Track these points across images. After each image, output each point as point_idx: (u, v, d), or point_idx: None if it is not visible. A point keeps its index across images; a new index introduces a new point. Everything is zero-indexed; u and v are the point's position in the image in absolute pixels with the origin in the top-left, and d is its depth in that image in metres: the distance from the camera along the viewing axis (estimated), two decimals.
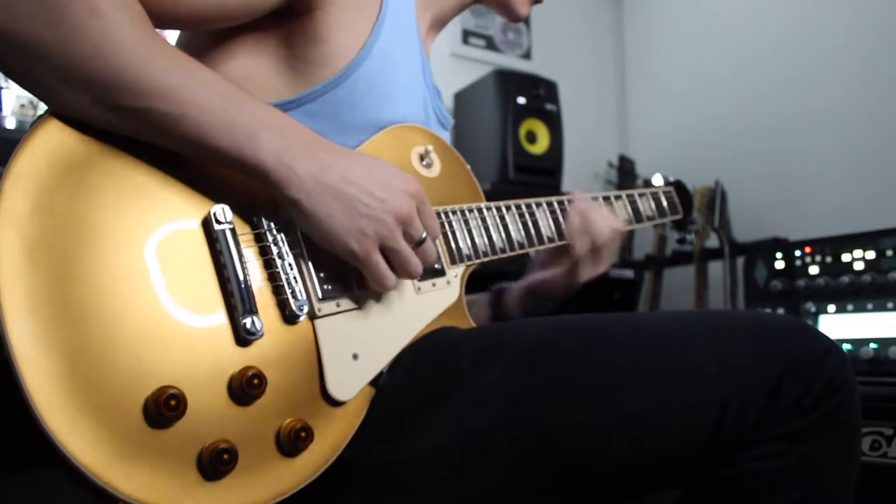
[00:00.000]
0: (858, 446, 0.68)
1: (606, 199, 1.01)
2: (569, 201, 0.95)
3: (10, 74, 0.57)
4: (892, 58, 2.13)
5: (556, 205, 0.93)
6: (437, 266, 0.77)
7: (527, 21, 2.92)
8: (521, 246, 0.87)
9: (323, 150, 0.63)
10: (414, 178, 0.68)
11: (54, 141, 0.56)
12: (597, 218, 0.92)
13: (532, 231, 0.89)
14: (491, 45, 2.80)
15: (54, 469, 0.51)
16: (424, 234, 0.68)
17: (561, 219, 0.93)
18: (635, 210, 1.05)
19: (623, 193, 1.05)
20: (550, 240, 0.91)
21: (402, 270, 0.67)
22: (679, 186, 1.15)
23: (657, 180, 1.15)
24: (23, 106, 1.67)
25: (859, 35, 2.23)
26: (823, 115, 2.31)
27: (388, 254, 0.66)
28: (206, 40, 0.75)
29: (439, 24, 0.99)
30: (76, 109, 0.57)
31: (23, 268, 0.51)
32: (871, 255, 1.41)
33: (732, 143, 2.59)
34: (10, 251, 0.51)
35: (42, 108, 1.64)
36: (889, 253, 1.38)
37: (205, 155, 0.60)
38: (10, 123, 1.51)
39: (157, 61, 0.57)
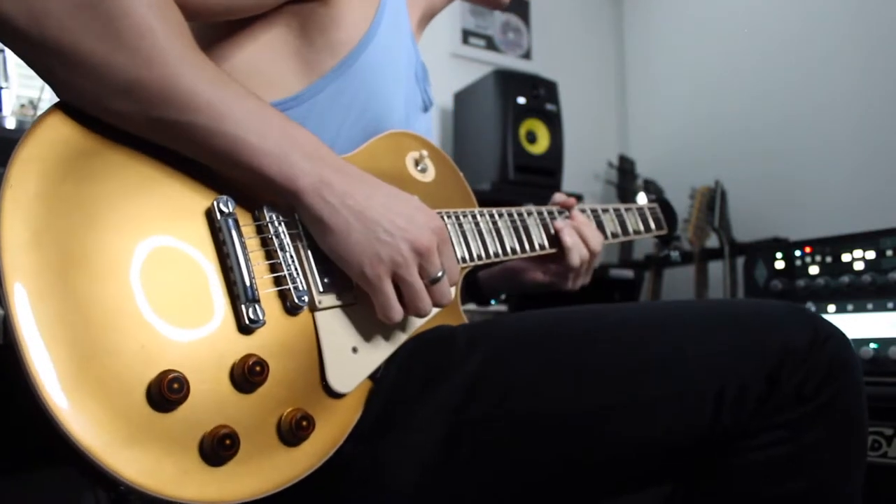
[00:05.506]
0: (863, 434, 0.66)
1: (594, 211, 1.04)
2: (559, 212, 0.97)
3: (56, 85, 0.58)
4: (893, 58, 2.13)
5: (545, 214, 0.96)
6: None
7: (527, 21, 2.92)
8: (514, 251, 0.89)
9: (351, 175, 0.64)
10: (437, 215, 0.68)
11: (60, 130, 0.57)
12: (589, 236, 0.97)
13: (524, 237, 0.91)
14: (491, 45, 2.80)
15: (54, 469, 0.51)
16: (441, 273, 0.67)
17: (551, 227, 0.95)
18: (622, 223, 1.09)
19: (610, 207, 1.08)
20: (542, 247, 0.94)
21: (411, 305, 0.66)
22: (663, 203, 1.19)
23: (641, 199, 1.19)
24: (23, 106, 1.67)
25: (859, 35, 2.23)
26: (824, 116, 2.31)
27: (400, 284, 0.65)
28: (215, 32, 0.75)
29: (428, 17, 1.01)
30: (119, 119, 0.58)
31: (29, 252, 0.51)
32: (871, 255, 1.41)
33: (732, 143, 2.60)
34: (16, 235, 0.51)
35: (42, 108, 1.64)
36: (889, 253, 1.38)
37: (237, 169, 0.61)
38: (10, 123, 1.51)
39: (200, 75, 0.58)
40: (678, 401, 0.63)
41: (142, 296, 0.55)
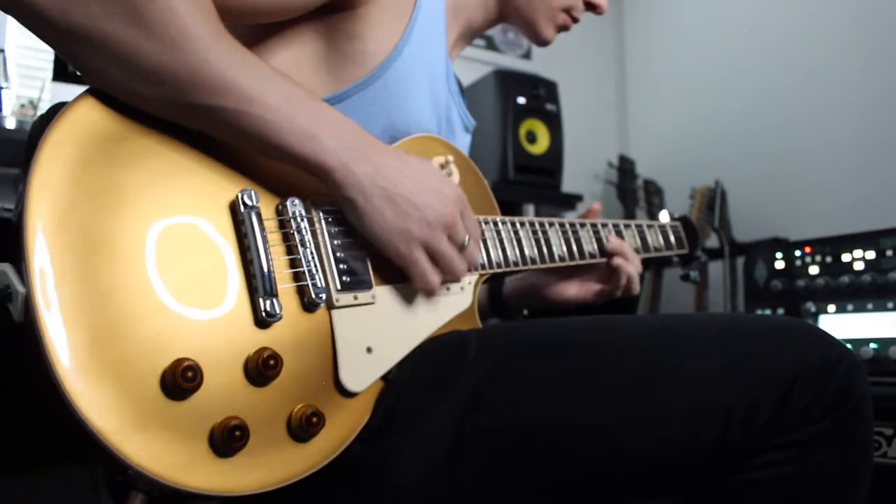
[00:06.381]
0: (870, 456, 0.66)
1: (616, 226, 1.04)
2: (581, 224, 0.98)
3: (84, 71, 0.58)
4: (893, 58, 2.13)
5: (567, 226, 0.96)
6: None
7: None
8: (533, 261, 0.89)
9: (378, 151, 0.66)
10: (455, 183, 0.71)
11: (91, 115, 0.57)
12: (633, 259, 1.01)
13: (544, 249, 0.91)
14: (491, 45, 2.80)
15: (55, 469, 0.51)
16: (468, 238, 0.70)
17: (573, 239, 0.96)
18: (643, 240, 1.09)
19: (633, 223, 1.08)
20: (562, 259, 0.94)
21: (447, 272, 0.70)
22: (686, 222, 1.18)
23: (664, 217, 1.19)
24: (23, 106, 1.67)
25: (860, 35, 2.23)
26: (823, 115, 2.31)
27: (433, 256, 0.68)
28: (247, 36, 0.76)
29: (468, 36, 1.00)
30: (147, 103, 0.59)
31: (54, 233, 0.52)
32: (871, 255, 1.41)
33: (732, 143, 2.59)
34: (42, 216, 0.52)
35: (42, 108, 1.64)
36: (889, 253, 1.38)
37: (268, 151, 0.62)
38: (10, 123, 1.51)
39: (228, 60, 0.58)
40: (687, 416, 0.63)
41: (161, 284, 0.56)
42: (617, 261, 0.98)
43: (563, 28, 1.00)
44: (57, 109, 0.58)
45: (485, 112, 2.31)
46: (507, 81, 2.30)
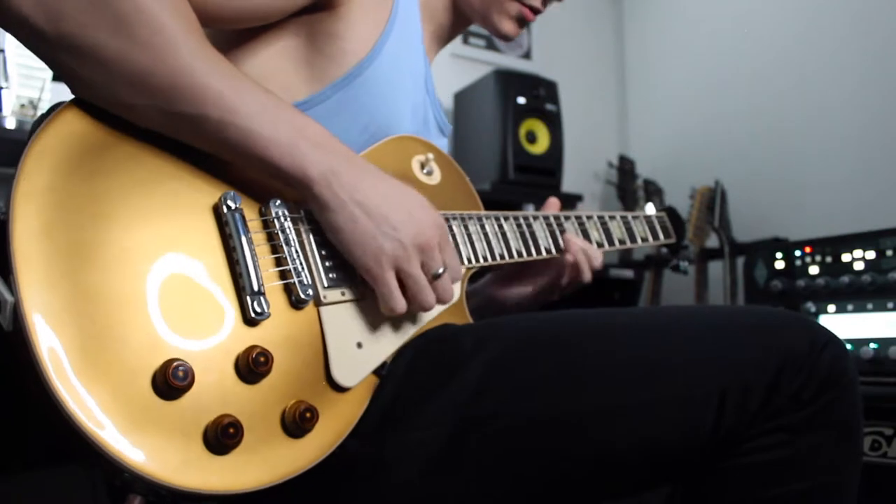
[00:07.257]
0: (860, 438, 0.67)
1: (601, 219, 1.04)
2: (566, 218, 0.99)
3: (72, 80, 0.59)
4: (893, 59, 2.13)
5: (552, 219, 0.97)
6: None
7: None
8: (520, 254, 0.90)
9: (359, 167, 0.66)
10: (439, 214, 0.70)
11: (75, 125, 0.58)
12: (593, 255, 0.98)
13: (530, 241, 0.92)
14: (491, 45, 2.80)
15: (54, 469, 0.51)
16: (441, 269, 0.69)
17: (558, 233, 0.96)
18: (629, 230, 1.09)
19: (618, 215, 1.09)
20: (548, 251, 0.94)
21: (414, 299, 0.68)
22: (671, 212, 1.20)
23: (649, 209, 1.19)
24: (23, 106, 1.67)
25: (860, 36, 2.23)
26: (824, 116, 2.31)
27: (403, 278, 0.67)
28: (229, 38, 0.77)
29: (441, 38, 1.00)
30: (132, 112, 0.59)
31: (40, 241, 0.52)
32: (871, 255, 1.41)
33: (732, 143, 2.60)
34: (28, 225, 0.52)
35: (42, 108, 1.64)
36: (889, 253, 1.38)
37: (251, 162, 0.62)
38: (10, 123, 1.51)
39: (212, 69, 0.59)
40: (682, 404, 0.64)
41: (148, 287, 0.56)
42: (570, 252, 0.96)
43: (521, 21, 0.96)
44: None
45: (485, 112, 2.31)
46: (507, 81, 2.30)
